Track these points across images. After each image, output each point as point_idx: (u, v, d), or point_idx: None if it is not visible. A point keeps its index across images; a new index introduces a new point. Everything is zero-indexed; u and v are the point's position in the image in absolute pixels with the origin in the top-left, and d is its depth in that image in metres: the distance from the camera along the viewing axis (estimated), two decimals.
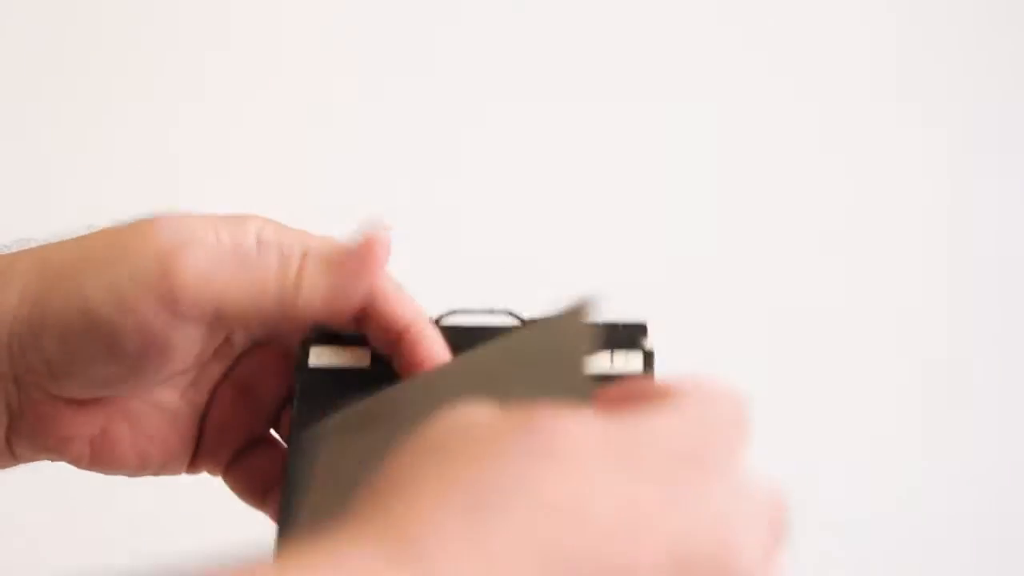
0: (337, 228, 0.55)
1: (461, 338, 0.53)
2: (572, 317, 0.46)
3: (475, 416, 0.38)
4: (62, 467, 0.56)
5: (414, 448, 0.38)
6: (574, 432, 0.36)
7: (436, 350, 0.53)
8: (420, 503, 0.35)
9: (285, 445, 0.57)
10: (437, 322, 0.54)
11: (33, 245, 0.55)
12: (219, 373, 0.55)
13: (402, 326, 0.53)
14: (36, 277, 0.52)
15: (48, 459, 0.55)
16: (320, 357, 0.54)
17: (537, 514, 0.35)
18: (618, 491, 0.36)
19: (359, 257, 0.53)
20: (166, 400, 0.55)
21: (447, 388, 0.49)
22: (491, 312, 0.55)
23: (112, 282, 0.51)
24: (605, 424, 0.37)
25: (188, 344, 0.52)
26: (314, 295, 0.52)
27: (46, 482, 0.76)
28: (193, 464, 0.56)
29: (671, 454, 0.37)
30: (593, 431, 0.37)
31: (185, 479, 0.58)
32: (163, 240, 0.51)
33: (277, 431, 0.57)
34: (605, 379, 0.48)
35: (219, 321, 0.52)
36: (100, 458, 0.55)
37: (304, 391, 0.54)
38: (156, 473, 0.56)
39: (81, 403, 0.53)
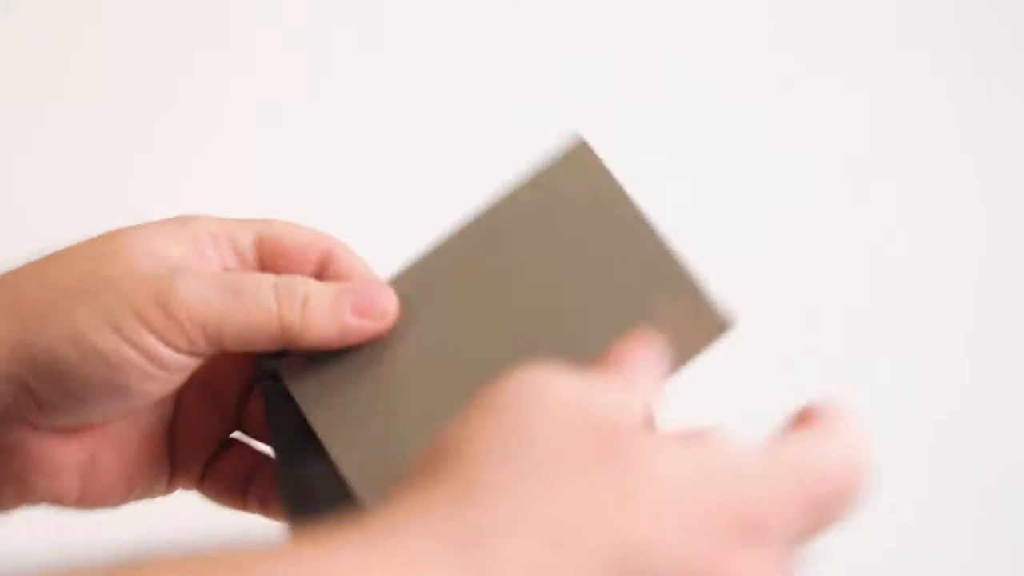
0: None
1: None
2: (576, 154, 0.50)
3: (557, 396, 0.39)
4: None
5: (491, 423, 0.39)
6: (659, 471, 0.38)
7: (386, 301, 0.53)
8: (497, 516, 0.36)
9: (252, 443, 0.57)
10: None
11: None
12: (185, 380, 0.54)
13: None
14: (11, 318, 0.50)
15: (32, 502, 0.54)
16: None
17: (610, 558, 0.36)
18: (677, 551, 0.37)
19: (365, 310, 0.52)
20: (143, 418, 0.55)
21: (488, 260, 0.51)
22: None
23: (107, 316, 0.49)
24: (688, 464, 0.38)
25: (185, 369, 0.51)
26: (323, 331, 0.52)
27: None
28: (171, 481, 0.56)
29: (736, 519, 0.38)
30: (675, 473, 0.38)
31: None
32: (146, 267, 0.51)
33: (241, 430, 0.57)
34: None
35: (219, 346, 0.51)
36: (90, 489, 0.53)
37: (273, 400, 0.54)
38: (139, 498, 0.56)
39: (68, 432, 0.52)
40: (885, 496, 1.14)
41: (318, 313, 0.51)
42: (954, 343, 1.25)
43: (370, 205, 1.16)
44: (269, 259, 0.54)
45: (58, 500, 0.53)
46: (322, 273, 0.54)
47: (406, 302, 0.52)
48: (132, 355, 0.49)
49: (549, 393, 0.40)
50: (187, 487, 0.57)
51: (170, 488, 0.56)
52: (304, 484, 0.53)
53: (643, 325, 0.47)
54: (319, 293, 0.52)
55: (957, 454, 1.24)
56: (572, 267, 0.50)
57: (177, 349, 0.50)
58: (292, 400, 0.53)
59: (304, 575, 0.34)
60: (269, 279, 0.52)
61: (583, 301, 0.49)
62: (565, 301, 0.50)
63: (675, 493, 0.38)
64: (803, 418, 0.42)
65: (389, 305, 0.52)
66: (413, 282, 0.52)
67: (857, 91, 1.25)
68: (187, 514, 0.61)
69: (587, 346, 0.47)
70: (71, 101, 1.15)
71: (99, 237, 0.52)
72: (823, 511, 0.40)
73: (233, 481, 0.56)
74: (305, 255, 0.54)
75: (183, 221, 0.53)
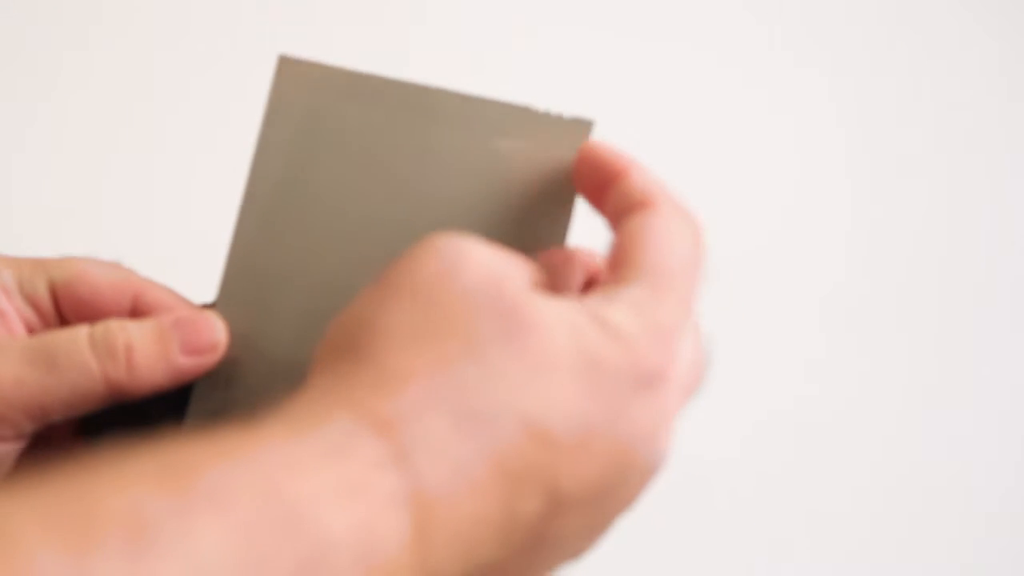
0: None
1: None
2: (571, 127, 0.49)
3: (465, 267, 0.40)
4: None
5: (403, 304, 0.40)
6: (556, 335, 0.39)
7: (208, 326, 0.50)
8: (409, 400, 0.37)
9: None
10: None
11: None
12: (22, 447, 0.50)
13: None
14: None
15: None
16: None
17: (515, 434, 0.38)
18: (579, 410, 0.39)
19: (191, 345, 0.49)
20: None
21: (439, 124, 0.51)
22: None
23: None
24: (584, 326, 0.40)
25: (17, 449, 0.48)
26: (151, 375, 0.49)
27: None
28: None
29: (629, 373, 0.40)
30: (573, 336, 0.39)
31: None
32: None
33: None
34: None
35: (46, 421, 0.48)
36: None
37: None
38: None
39: None
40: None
41: (146, 361, 0.48)
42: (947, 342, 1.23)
43: None
44: (71, 306, 0.51)
45: None
46: (133, 316, 0.51)
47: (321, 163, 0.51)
48: None
49: (459, 271, 0.40)
50: None
51: None
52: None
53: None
54: (142, 339, 0.49)
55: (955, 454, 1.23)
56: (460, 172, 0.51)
57: (3, 439, 0.47)
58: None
59: (242, 476, 0.34)
60: (82, 334, 0.48)
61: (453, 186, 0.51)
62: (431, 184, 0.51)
63: (572, 361, 0.39)
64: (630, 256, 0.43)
65: (218, 335, 0.49)
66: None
67: (858, 85, 1.24)
68: None
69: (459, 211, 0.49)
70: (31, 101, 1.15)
71: None
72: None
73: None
74: (114, 300, 0.51)
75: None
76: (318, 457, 0.35)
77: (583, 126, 0.50)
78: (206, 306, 0.52)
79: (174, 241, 1.13)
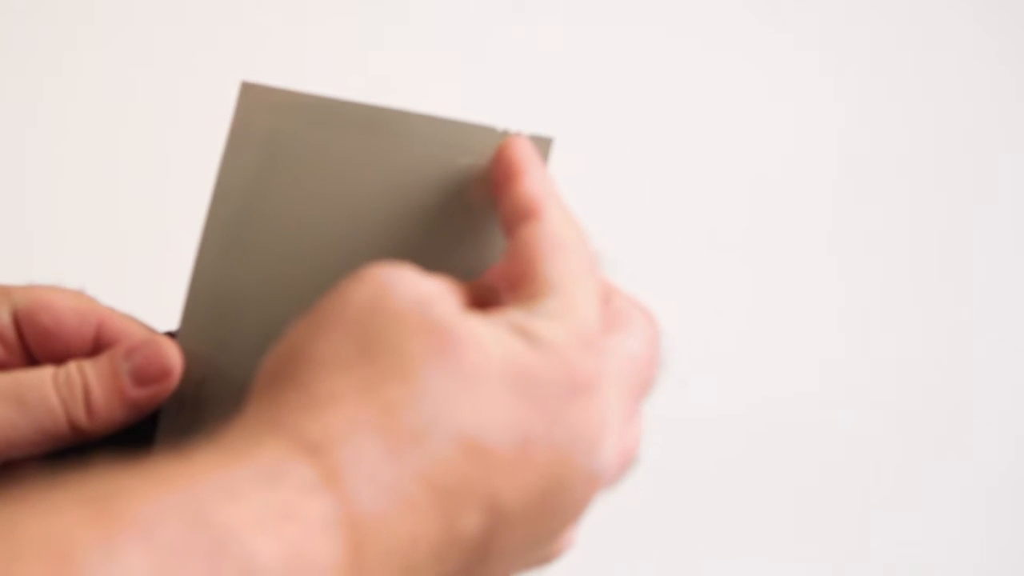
0: None
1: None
2: (535, 144, 0.49)
3: (394, 292, 0.40)
4: None
5: (329, 321, 0.40)
6: (486, 350, 0.39)
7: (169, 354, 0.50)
8: (336, 415, 0.37)
9: None
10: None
11: None
12: None
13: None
14: None
15: None
16: None
17: (448, 450, 0.37)
18: (513, 421, 0.39)
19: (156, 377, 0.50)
20: None
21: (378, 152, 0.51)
22: None
23: None
24: (513, 341, 0.40)
25: None
26: (110, 414, 0.49)
27: None
28: None
29: (561, 382, 0.40)
30: (503, 350, 0.39)
31: None
32: None
33: None
34: None
35: (5, 458, 0.49)
36: None
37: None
38: None
39: None
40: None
41: (103, 402, 0.48)
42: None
43: None
44: (34, 335, 0.51)
45: None
46: (97, 347, 0.51)
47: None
48: None
49: (388, 296, 0.40)
50: None
51: None
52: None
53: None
54: (98, 378, 0.49)
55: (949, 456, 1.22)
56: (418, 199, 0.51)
57: None
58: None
59: (170, 504, 0.34)
60: (47, 377, 0.49)
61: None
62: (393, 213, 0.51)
63: (503, 374, 0.39)
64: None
65: (170, 360, 0.49)
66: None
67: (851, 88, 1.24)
68: None
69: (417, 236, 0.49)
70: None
71: None
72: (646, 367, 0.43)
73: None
74: (77, 328, 0.51)
75: None
76: (248, 483, 0.35)
77: (542, 143, 0.50)
78: (170, 333, 0.52)
79: (137, 263, 1.13)
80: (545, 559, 0.42)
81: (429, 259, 0.48)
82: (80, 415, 0.49)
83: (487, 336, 0.40)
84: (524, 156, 0.47)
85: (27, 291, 0.51)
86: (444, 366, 0.39)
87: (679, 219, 1.22)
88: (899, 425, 1.22)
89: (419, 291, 0.40)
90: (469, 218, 0.50)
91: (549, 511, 0.40)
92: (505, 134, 0.50)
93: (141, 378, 0.49)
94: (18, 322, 0.51)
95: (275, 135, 0.51)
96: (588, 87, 1.21)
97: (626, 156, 1.21)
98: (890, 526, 1.22)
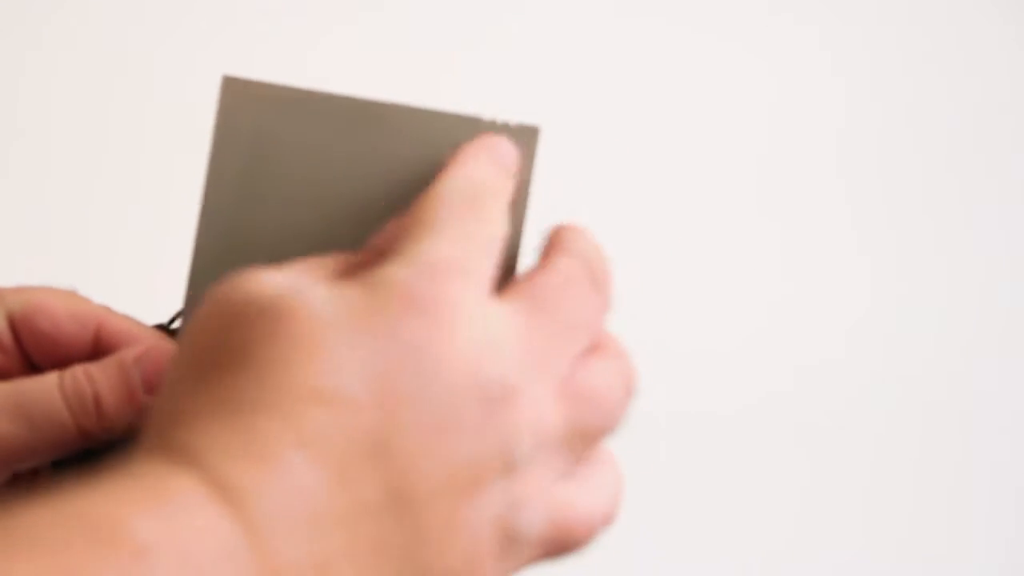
0: None
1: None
2: (519, 134, 0.49)
3: (229, 296, 0.40)
4: None
5: (185, 348, 0.40)
6: (314, 310, 0.39)
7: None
8: (195, 421, 0.38)
9: None
10: (167, 328, 0.54)
11: None
12: None
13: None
14: None
15: None
16: None
17: (295, 407, 0.37)
18: (359, 364, 0.38)
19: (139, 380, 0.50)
20: None
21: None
22: None
23: None
24: (353, 293, 0.40)
25: None
26: (121, 419, 0.50)
27: None
28: None
29: (401, 307, 0.39)
30: (337, 308, 0.39)
31: None
32: None
33: None
34: None
35: (15, 468, 0.49)
36: None
37: None
38: None
39: None
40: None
41: (114, 409, 0.49)
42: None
43: None
44: (32, 339, 0.51)
45: None
46: (96, 348, 0.51)
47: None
48: None
49: (224, 302, 0.40)
50: None
51: None
52: None
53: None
54: (109, 385, 0.49)
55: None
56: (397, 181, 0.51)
57: None
58: None
59: (63, 520, 0.35)
60: (52, 386, 0.49)
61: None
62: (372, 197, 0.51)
63: (339, 328, 0.39)
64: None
65: None
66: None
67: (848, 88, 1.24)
68: None
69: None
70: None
71: None
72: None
73: None
74: (75, 331, 0.51)
75: None
76: (130, 488, 0.36)
77: (529, 133, 0.50)
78: (166, 329, 0.52)
79: (128, 263, 1.12)
80: (530, 514, 0.41)
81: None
82: (91, 423, 0.49)
83: (320, 298, 0.39)
84: (474, 146, 0.47)
85: (20, 294, 0.51)
86: (278, 342, 0.38)
87: (677, 212, 1.21)
88: (898, 425, 1.22)
89: (257, 285, 0.40)
90: None
91: (449, 437, 0.39)
92: (492, 124, 0.50)
93: (153, 383, 0.49)
94: (14, 327, 0.51)
95: (261, 130, 0.51)
96: (583, 75, 1.21)
97: (620, 149, 1.21)
98: (888, 524, 1.22)
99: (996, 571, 1.23)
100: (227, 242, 0.51)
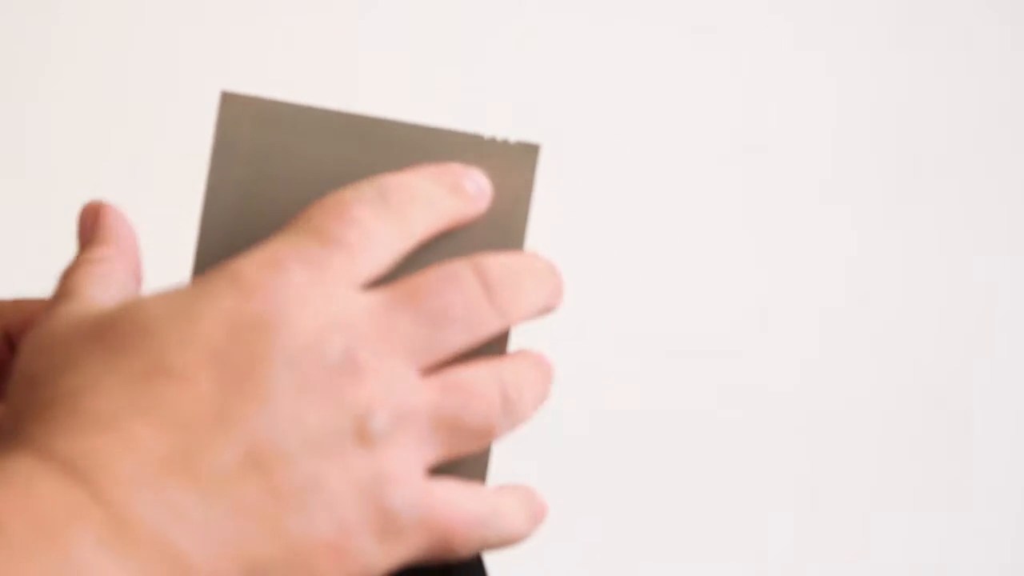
0: None
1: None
2: (519, 152, 0.50)
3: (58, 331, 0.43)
4: None
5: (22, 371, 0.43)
6: (144, 306, 0.42)
7: None
8: (32, 413, 0.41)
9: None
10: None
11: None
12: None
13: None
14: None
15: None
16: None
17: (133, 385, 0.40)
18: (198, 342, 0.41)
19: None
20: None
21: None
22: None
23: None
24: (186, 287, 0.43)
25: None
26: None
27: None
28: None
29: (235, 295, 0.42)
30: (167, 296, 0.42)
31: None
32: None
33: None
34: None
35: None
36: None
37: None
38: None
39: None
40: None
41: None
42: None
43: None
44: None
45: None
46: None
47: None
48: None
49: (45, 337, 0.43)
50: None
51: None
52: None
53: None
54: None
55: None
56: None
57: None
58: None
59: None
60: None
61: None
62: None
63: (167, 310, 0.42)
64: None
65: None
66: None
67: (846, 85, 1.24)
68: None
69: None
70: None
71: None
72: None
73: None
74: None
75: None
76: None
77: (530, 150, 0.50)
78: None
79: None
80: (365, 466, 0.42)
81: (414, 269, 0.48)
82: None
83: (153, 296, 0.42)
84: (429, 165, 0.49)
85: (17, 306, 0.51)
86: (109, 339, 0.41)
87: (675, 219, 1.21)
88: (896, 423, 1.22)
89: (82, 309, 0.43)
90: (470, 226, 0.50)
91: (295, 404, 0.41)
92: (492, 142, 0.50)
93: None
94: (11, 341, 0.51)
95: (260, 146, 0.51)
96: (582, 84, 1.21)
97: (618, 156, 1.21)
98: (887, 522, 1.22)
99: (996, 570, 1.23)
100: (226, 257, 0.51)
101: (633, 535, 1.21)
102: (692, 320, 1.21)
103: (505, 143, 0.50)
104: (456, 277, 0.45)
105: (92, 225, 0.50)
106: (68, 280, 0.46)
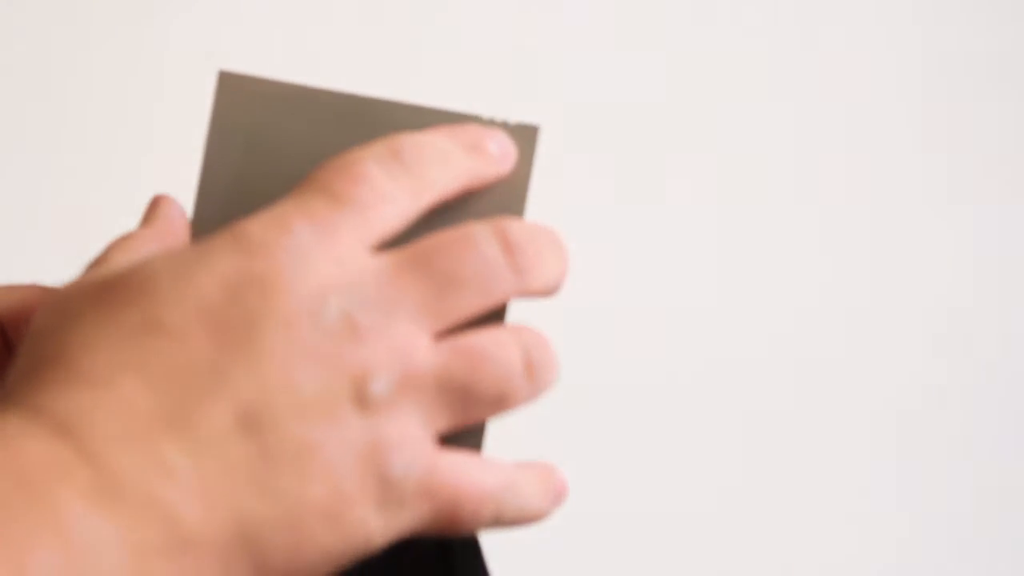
0: None
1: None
2: (518, 133, 0.49)
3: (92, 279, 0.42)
4: None
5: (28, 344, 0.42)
6: (144, 266, 0.41)
7: None
8: (23, 376, 0.41)
9: None
10: None
11: None
12: None
13: None
14: None
15: None
16: None
17: (125, 340, 0.40)
18: (192, 298, 0.40)
19: None
20: None
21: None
22: None
23: None
24: (187, 247, 0.42)
25: None
26: None
27: None
28: None
29: (232, 251, 0.41)
30: (166, 256, 0.42)
31: None
32: None
33: None
34: None
35: None
36: None
37: None
38: None
39: None
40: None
41: None
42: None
43: None
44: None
45: None
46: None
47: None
48: None
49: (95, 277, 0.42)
50: None
51: None
52: None
53: None
54: None
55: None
56: None
57: None
58: None
59: None
60: None
61: None
62: None
63: (166, 272, 0.41)
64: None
65: None
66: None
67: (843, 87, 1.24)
68: None
69: None
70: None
71: None
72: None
73: None
74: None
75: None
76: None
77: (529, 131, 0.50)
78: None
79: None
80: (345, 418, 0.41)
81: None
82: None
83: (152, 257, 0.42)
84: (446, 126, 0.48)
85: (8, 292, 0.51)
86: (105, 298, 0.41)
87: (674, 213, 1.22)
88: (893, 423, 1.22)
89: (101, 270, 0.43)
90: (453, 207, 0.50)
91: (288, 365, 0.40)
92: (491, 123, 0.50)
93: None
94: (3, 326, 0.50)
95: (256, 125, 0.51)
96: (582, 74, 1.21)
97: (622, 149, 1.21)
98: (883, 520, 1.22)
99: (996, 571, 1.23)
100: None
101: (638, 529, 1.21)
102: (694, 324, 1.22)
103: (504, 124, 0.50)
104: (472, 237, 0.43)
105: (147, 212, 0.50)
106: (102, 253, 0.46)
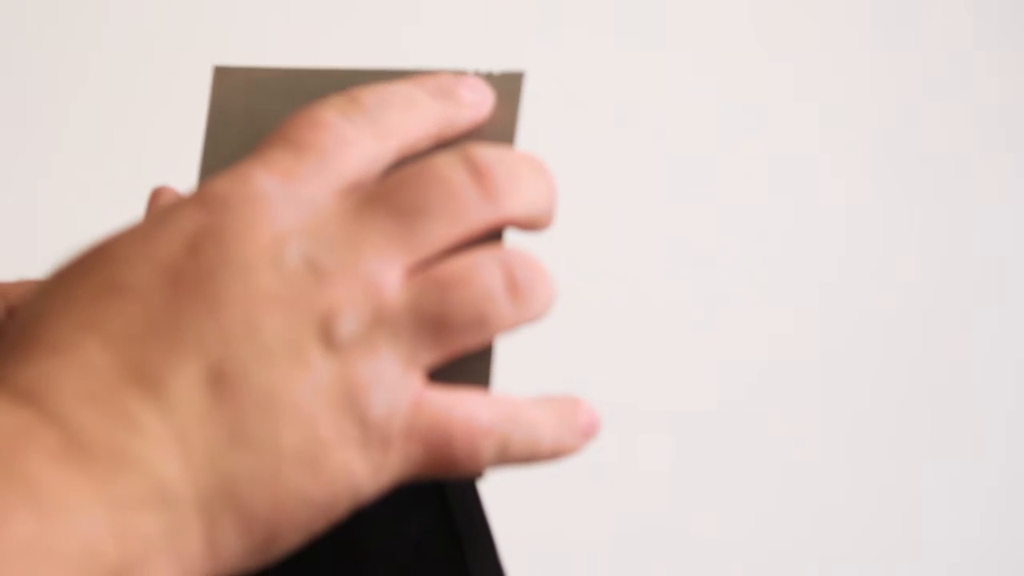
0: None
1: None
2: (505, 81, 0.49)
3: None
4: None
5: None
6: (111, 235, 0.41)
7: None
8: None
9: None
10: None
11: None
12: None
13: None
14: None
15: None
16: None
17: (86, 303, 0.40)
18: (149, 256, 0.40)
19: None
20: None
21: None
22: None
23: None
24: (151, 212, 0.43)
25: None
26: None
27: None
28: None
29: (192, 209, 0.41)
30: (132, 224, 0.41)
31: None
32: None
33: None
34: None
35: None
36: None
37: None
38: None
39: None
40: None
41: None
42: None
43: None
44: None
45: None
46: None
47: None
48: None
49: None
50: None
51: None
52: None
53: None
54: None
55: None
56: None
57: None
58: None
59: None
60: None
61: None
62: None
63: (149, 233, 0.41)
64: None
65: None
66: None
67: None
68: None
69: None
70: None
71: None
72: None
73: None
74: None
75: None
76: None
77: (513, 79, 0.50)
78: None
79: None
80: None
81: None
82: None
83: (123, 228, 0.42)
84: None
85: (21, 288, 0.52)
86: (71, 271, 0.41)
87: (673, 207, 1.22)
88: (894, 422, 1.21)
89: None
90: None
91: (249, 312, 0.39)
92: (476, 75, 0.50)
93: None
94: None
95: (251, 113, 0.51)
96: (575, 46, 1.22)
97: (619, 139, 1.21)
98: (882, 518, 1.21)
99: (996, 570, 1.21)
100: None
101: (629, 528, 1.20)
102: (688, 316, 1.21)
103: (489, 75, 0.50)
104: (435, 164, 0.42)
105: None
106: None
